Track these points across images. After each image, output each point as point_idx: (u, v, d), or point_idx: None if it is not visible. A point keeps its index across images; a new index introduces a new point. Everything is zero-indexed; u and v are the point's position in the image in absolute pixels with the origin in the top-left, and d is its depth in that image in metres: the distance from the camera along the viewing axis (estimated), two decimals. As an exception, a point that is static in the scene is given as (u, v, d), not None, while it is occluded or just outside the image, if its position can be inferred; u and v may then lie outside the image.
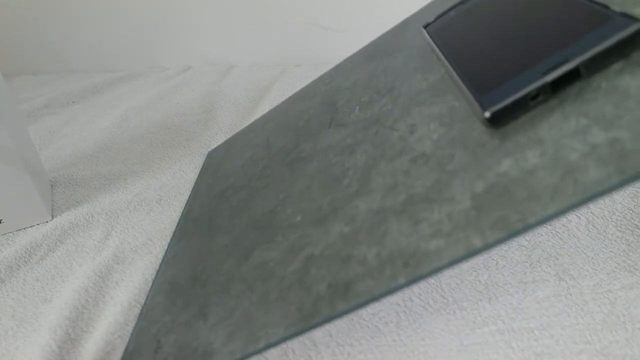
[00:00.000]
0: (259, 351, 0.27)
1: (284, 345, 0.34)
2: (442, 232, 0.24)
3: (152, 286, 0.41)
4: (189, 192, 0.55)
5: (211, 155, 0.60)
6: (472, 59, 0.32)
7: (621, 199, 0.41)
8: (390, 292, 0.24)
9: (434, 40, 0.38)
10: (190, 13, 1.02)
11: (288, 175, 0.40)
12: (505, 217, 0.22)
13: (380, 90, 0.40)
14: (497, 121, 0.26)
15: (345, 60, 0.53)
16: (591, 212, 0.40)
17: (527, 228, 0.21)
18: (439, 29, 0.40)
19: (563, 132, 0.23)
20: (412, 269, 0.24)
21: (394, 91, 0.38)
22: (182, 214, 0.50)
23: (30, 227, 0.52)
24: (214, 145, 0.64)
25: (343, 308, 0.25)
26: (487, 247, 0.22)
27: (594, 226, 0.39)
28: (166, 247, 0.46)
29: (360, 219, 0.29)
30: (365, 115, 0.38)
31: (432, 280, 0.37)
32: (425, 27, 0.42)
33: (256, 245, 0.35)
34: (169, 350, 0.32)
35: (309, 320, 0.26)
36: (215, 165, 0.56)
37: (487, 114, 0.26)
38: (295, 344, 0.34)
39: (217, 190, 0.49)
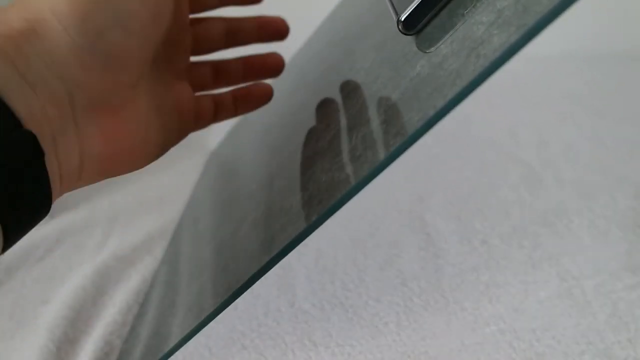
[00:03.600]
0: (203, 325, 0.26)
1: (283, 346, 0.34)
2: (355, 157, 0.23)
3: (149, 287, 0.41)
4: (189, 192, 0.54)
5: (213, 153, 0.60)
6: None
7: (623, 199, 0.41)
8: (302, 236, 0.22)
9: None
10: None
11: (261, 154, 0.40)
12: (410, 120, 0.21)
13: (335, 42, 0.39)
14: (414, 25, 0.24)
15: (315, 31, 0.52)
16: (593, 212, 0.40)
17: (429, 124, 0.19)
18: None
19: (477, 10, 0.21)
20: (325, 203, 0.22)
21: (346, 38, 0.37)
22: (182, 212, 0.50)
23: (29, 227, 0.52)
24: (214, 144, 0.64)
25: (265, 262, 0.24)
26: (391, 158, 0.20)
27: (595, 226, 0.39)
28: (166, 248, 0.46)
29: (294, 169, 0.29)
30: (320, 69, 0.38)
31: (432, 280, 0.37)
32: None
33: (221, 225, 0.35)
34: (144, 342, 0.32)
35: (239, 282, 0.25)
36: (214, 162, 0.56)
37: (402, 18, 0.24)
38: (295, 344, 0.34)
39: (212, 185, 0.49)
